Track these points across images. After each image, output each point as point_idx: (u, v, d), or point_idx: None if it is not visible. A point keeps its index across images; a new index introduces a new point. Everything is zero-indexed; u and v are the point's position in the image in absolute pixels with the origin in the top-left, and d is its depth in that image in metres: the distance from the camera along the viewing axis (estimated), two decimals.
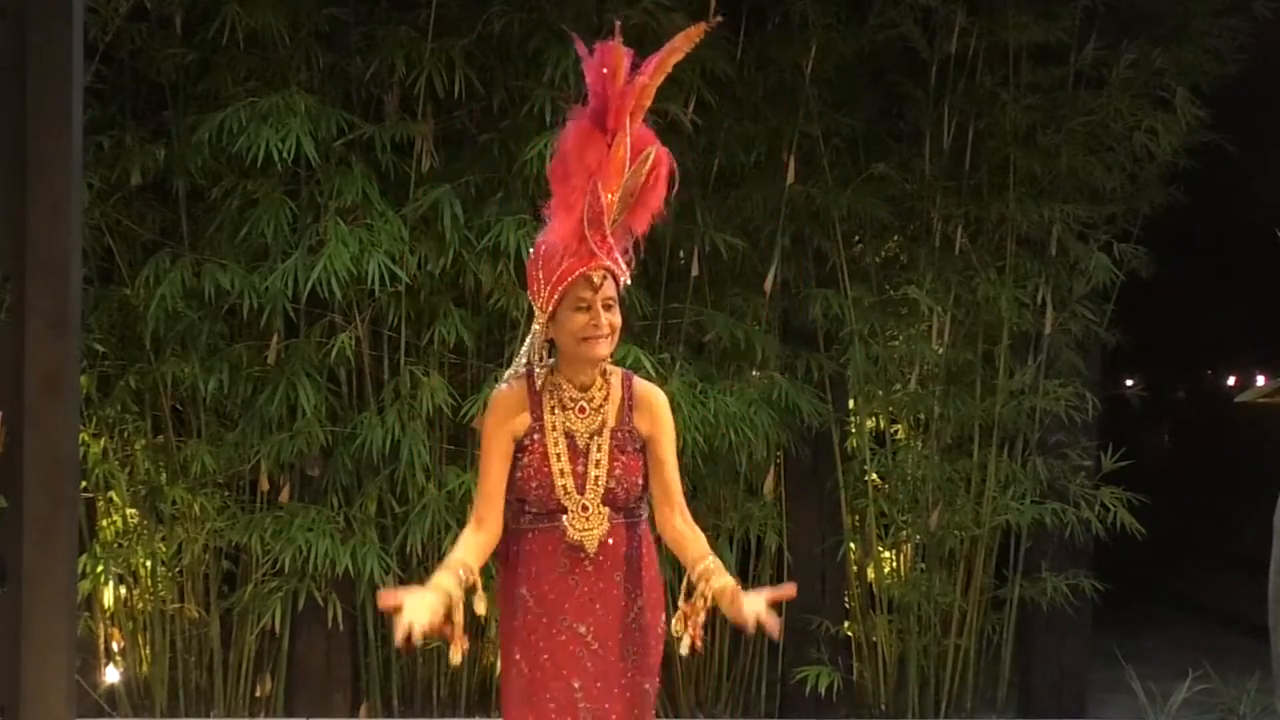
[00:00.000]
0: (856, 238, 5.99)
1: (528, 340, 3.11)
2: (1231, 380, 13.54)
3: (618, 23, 3.00)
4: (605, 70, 2.94)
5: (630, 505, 3.04)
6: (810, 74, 5.60)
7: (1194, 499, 11.11)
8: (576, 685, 2.97)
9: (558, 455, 2.99)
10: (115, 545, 5.49)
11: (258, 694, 5.52)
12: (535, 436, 3.01)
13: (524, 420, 3.02)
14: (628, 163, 2.95)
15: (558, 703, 2.97)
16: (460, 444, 5.48)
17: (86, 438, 5.26)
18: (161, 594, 5.48)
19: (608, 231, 2.96)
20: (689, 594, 2.98)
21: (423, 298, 5.39)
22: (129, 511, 5.52)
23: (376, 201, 5.22)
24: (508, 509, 3.05)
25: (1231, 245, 8.84)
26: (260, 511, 5.39)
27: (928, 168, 5.85)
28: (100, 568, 5.32)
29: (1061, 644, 6.14)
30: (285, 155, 5.01)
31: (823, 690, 5.58)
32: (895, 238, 6.13)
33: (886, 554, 6.02)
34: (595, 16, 5.12)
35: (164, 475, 5.44)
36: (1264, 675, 5.29)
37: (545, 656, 2.99)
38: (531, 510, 3.01)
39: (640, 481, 3.04)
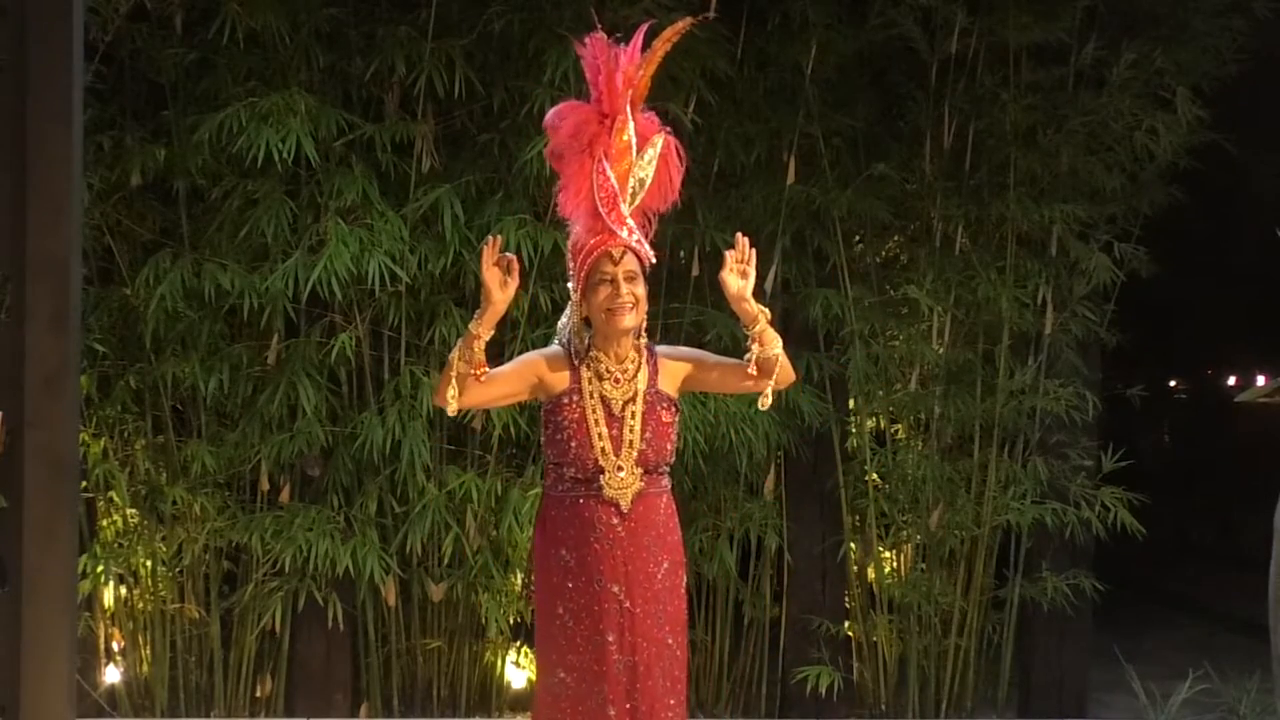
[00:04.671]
0: (857, 238, 5.99)
1: (563, 319, 3.39)
2: (1231, 380, 13.54)
3: (596, 19, 3.35)
4: (595, 61, 3.28)
5: (660, 467, 3.34)
6: (810, 74, 5.60)
7: (1194, 499, 11.10)
8: (611, 639, 3.26)
9: (595, 420, 3.28)
10: (115, 545, 5.49)
11: (258, 694, 5.52)
12: (574, 399, 3.29)
13: (561, 379, 3.31)
14: (634, 149, 3.26)
15: (595, 651, 3.26)
16: (460, 444, 5.48)
17: (86, 438, 5.26)
18: (162, 594, 5.48)
19: (625, 212, 3.26)
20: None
21: (423, 298, 5.39)
22: (129, 511, 5.52)
23: (377, 201, 5.22)
24: (547, 475, 3.41)
25: (1231, 245, 8.84)
26: (260, 511, 5.39)
27: (928, 168, 5.85)
28: (100, 568, 5.32)
29: (1061, 644, 6.13)
30: (285, 155, 5.01)
31: (823, 690, 5.58)
32: (895, 238, 6.13)
33: (887, 554, 6.02)
34: (595, 16, 5.11)
35: (164, 475, 5.43)
36: (1264, 675, 5.30)
37: (585, 613, 3.28)
38: (570, 475, 3.30)
39: (669, 445, 3.34)
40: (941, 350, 5.82)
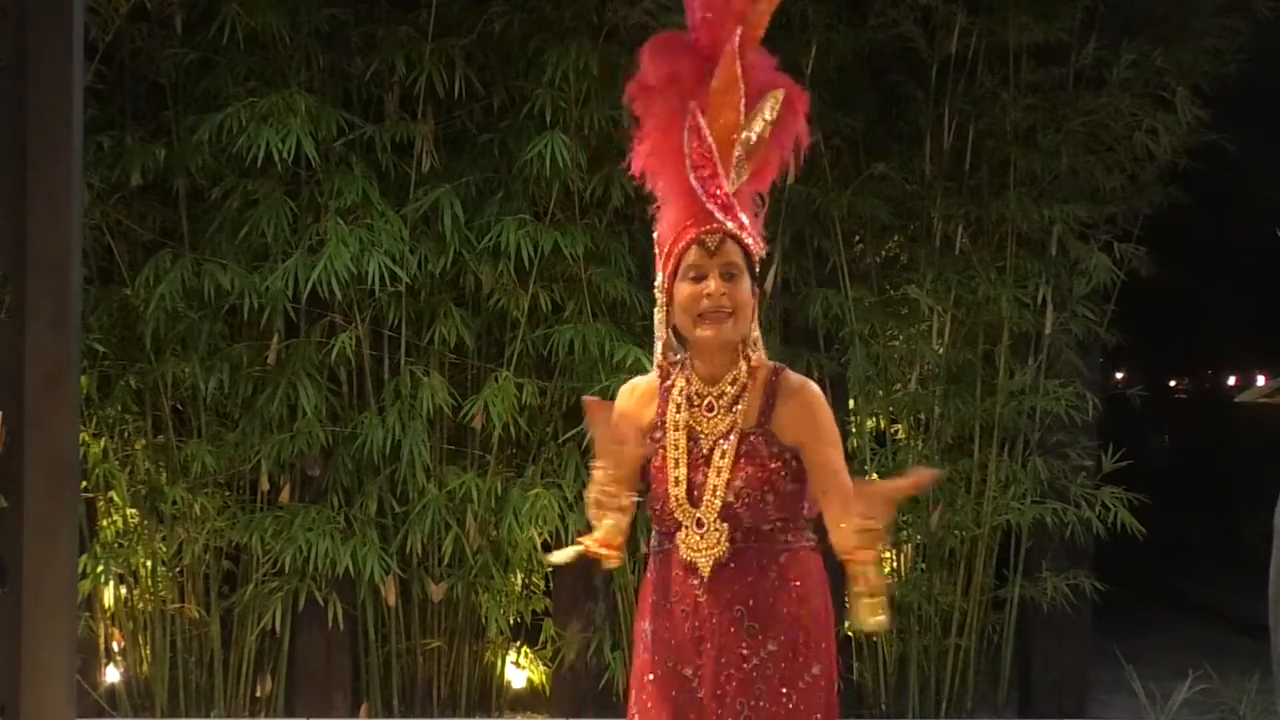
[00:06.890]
0: (857, 238, 5.99)
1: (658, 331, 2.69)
2: (1231, 380, 13.55)
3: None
4: None
5: (760, 527, 2.54)
6: (810, 74, 5.59)
7: (1194, 499, 11.10)
8: None
9: (675, 460, 2.54)
10: (115, 545, 5.49)
11: (258, 694, 5.52)
12: (658, 436, 2.58)
13: (652, 413, 2.61)
14: (742, 101, 2.55)
15: None
16: (460, 444, 5.48)
17: (86, 438, 5.26)
18: (161, 594, 5.47)
19: (724, 182, 2.55)
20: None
21: (423, 298, 5.39)
22: (129, 511, 5.52)
23: (376, 201, 5.21)
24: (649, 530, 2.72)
25: (1231, 245, 8.84)
26: (260, 511, 5.38)
27: (928, 168, 5.84)
28: (100, 568, 5.32)
29: (1061, 644, 6.13)
30: (285, 155, 5.01)
31: None
32: (895, 238, 6.12)
33: (886, 554, 6.01)
34: (595, 16, 5.12)
35: (164, 475, 5.43)
36: (1264, 675, 5.29)
37: (652, 704, 2.56)
38: (658, 529, 2.62)
39: (772, 499, 2.52)
40: (941, 350, 5.82)
